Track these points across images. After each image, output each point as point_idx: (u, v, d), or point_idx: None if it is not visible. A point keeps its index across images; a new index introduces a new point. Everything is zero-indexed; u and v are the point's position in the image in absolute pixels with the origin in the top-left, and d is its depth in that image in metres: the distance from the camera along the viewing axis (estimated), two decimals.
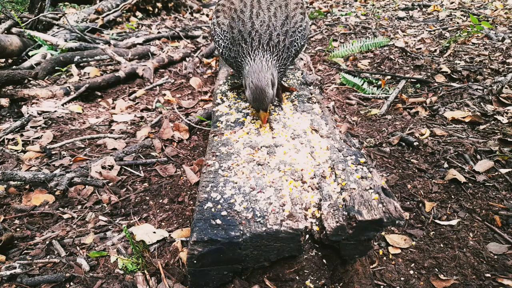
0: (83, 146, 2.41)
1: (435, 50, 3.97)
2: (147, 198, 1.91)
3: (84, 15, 5.52)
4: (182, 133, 2.49)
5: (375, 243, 1.59)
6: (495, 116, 2.53)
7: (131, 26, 5.43)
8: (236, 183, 1.36)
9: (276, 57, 1.74)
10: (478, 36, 4.25)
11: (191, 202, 1.84)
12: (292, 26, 1.82)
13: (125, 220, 1.76)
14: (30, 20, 4.37)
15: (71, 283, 1.42)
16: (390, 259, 1.52)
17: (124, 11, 5.83)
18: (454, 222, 1.69)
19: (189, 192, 1.91)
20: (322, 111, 1.91)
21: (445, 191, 1.88)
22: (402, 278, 1.43)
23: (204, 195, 1.31)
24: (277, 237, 1.16)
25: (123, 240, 1.62)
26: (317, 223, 1.24)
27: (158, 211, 1.81)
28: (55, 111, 2.84)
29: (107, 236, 1.66)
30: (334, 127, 1.79)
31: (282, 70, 1.83)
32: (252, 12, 1.79)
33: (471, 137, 2.34)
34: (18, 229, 1.72)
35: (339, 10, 6.26)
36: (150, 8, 6.12)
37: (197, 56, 4.06)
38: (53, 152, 2.31)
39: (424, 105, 2.82)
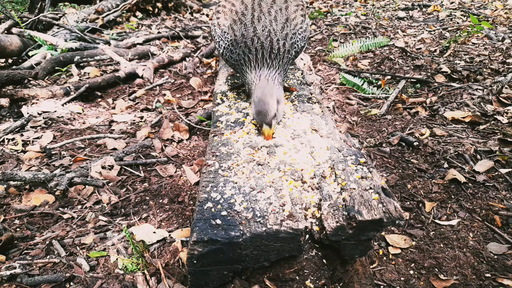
0: (83, 146, 2.41)
1: (435, 50, 3.97)
2: (147, 198, 1.91)
3: (84, 15, 5.51)
4: (182, 133, 2.49)
5: (375, 243, 1.59)
6: (495, 116, 2.53)
7: (131, 26, 5.43)
8: (236, 183, 1.36)
9: (280, 70, 1.78)
10: (478, 36, 4.25)
11: (191, 202, 1.84)
12: (292, 29, 1.83)
13: (125, 220, 1.76)
14: (30, 20, 4.37)
15: (71, 283, 1.42)
16: (390, 259, 1.52)
17: (124, 11, 5.83)
18: (454, 222, 1.69)
19: (189, 192, 1.91)
20: (322, 111, 1.91)
21: (445, 191, 1.88)
22: (402, 278, 1.43)
23: (204, 195, 1.31)
24: (277, 237, 1.16)
25: (123, 240, 1.62)
26: (317, 223, 1.24)
27: (158, 211, 1.81)
28: (55, 111, 2.84)
29: (107, 236, 1.66)
30: (334, 127, 1.79)
31: (284, 75, 1.85)
32: (253, 16, 1.79)
33: (471, 137, 2.34)
34: (18, 229, 1.72)
35: (339, 10, 6.25)
36: (150, 8, 6.12)
37: (197, 56, 4.06)
38: (53, 152, 2.31)
39: (424, 105, 2.82)
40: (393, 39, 4.43)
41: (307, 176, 1.39)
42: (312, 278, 1.25)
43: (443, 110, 2.68)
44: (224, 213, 1.22)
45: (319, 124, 1.75)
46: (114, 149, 2.36)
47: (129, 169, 2.14)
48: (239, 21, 1.81)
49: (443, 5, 6.02)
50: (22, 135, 2.52)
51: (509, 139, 2.22)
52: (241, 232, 1.15)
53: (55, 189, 1.92)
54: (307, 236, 1.25)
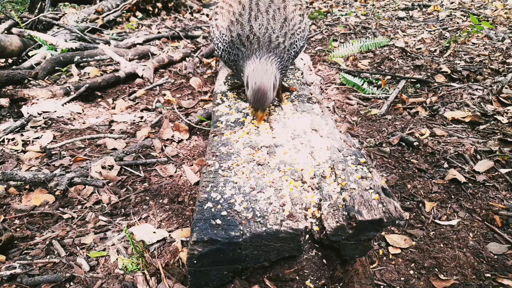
0: (83, 146, 2.41)
1: (435, 50, 3.97)
2: (147, 198, 1.91)
3: (84, 15, 5.51)
4: (182, 133, 2.49)
5: (375, 243, 1.59)
6: (495, 116, 2.53)
7: (131, 26, 5.43)
8: (236, 183, 1.36)
9: (278, 59, 1.75)
10: (478, 36, 4.25)
11: (191, 202, 1.84)
12: (291, 29, 1.82)
13: (125, 220, 1.76)
14: (30, 20, 4.37)
15: (71, 283, 1.42)
16: (390, 259, 1.52)
17: (124, 11, 5.82)
18: (454, 222, 1.69)
19: (189, 192, 1.91)
20: (322, 111, 1.91)
21: (445, 191, 1.88)
22: (402, 278, 1.43)
23: (204, 195, 1.31)
24: (277, 237, 1.16)
25: (123, 240, 1.62)
26: (317, 223, 1.24)
27: (158, 211, 1.81)
28: (55, 111, 2.84)
29: (107, 236, 1.66)
30: (334, 127, 1.79)
31: (283, 72, 1.84)
32: (250, 15, 1.78)
33: (471, 137, 2.34)
34: (18, 229, 1.72)
35: (339, 10, 6.25)
36: (150, 8, 6.12)
37: (197, 56, 4.06)
38: (53, 152, 2.31)
39: (424, 105, 2.82)
40: (393, 39, 4.43)
41: (307, 176, 1.39)
42: (312, 278, 1.25)
43: (443, 110, 2.68)
44: (224, 213, 1.22)
45: (319, 124, 1.75)
46: (114, 149, 2.36)
47: (129, 169, 2.14)
48: (236, 21, 1.80)
49: (443, 5, 6.02)
50: (22, 135, 2.52)
51: (509, 139, 2.22)
52: (241, 232, 1.15)
53: (55, 189, 1.92)
54: (307, 236, 1.25)
